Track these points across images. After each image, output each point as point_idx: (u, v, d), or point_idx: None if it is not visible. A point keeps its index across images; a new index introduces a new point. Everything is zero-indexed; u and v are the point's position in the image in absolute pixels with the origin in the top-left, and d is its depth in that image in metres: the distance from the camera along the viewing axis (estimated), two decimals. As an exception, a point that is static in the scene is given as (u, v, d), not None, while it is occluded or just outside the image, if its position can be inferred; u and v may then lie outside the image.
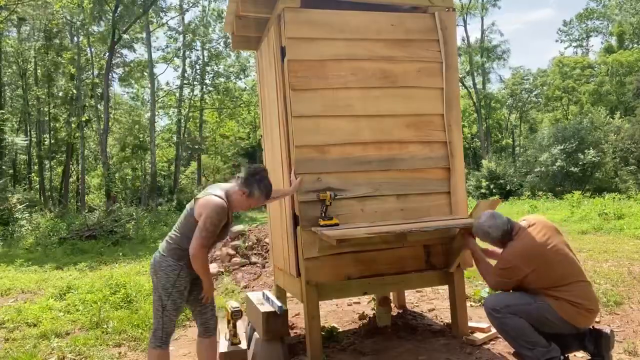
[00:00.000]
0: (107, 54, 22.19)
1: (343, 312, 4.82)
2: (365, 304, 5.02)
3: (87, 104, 26.51)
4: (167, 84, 38.05)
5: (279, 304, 3.34)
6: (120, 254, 10.39)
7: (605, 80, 34.15)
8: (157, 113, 28.15)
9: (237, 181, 2.84)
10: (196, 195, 2.88)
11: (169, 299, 2.75)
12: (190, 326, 4.73)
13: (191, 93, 30.81)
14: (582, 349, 3.00)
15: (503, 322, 2.96)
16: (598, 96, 34.22)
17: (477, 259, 3.24)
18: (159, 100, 29.10)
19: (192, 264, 2.69)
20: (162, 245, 2.86)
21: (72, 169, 29.22)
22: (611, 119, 26.14)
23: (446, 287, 3.90)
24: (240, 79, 31.30)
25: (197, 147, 30.55)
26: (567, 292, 2.85)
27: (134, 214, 16.47)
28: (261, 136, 4.51)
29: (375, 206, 3.42)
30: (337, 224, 3.13)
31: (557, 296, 2.86)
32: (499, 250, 3.17)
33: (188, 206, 2.85)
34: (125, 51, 27.32)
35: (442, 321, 4.22)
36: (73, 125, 25.53)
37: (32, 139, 27.29)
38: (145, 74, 27.46)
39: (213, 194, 2.76)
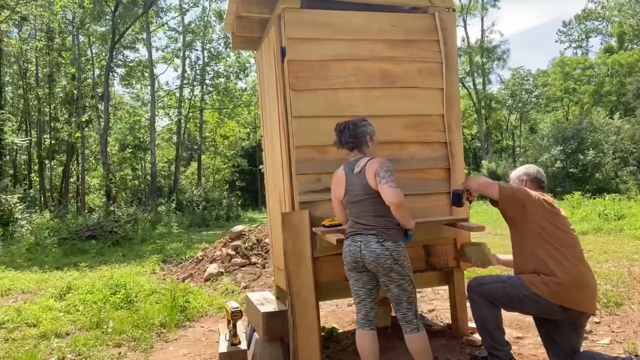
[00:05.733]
0: (107, 54, 22.20)
1: (343, 313, 4.83)
2: (365, 305, 5.01)
3: (87, 104, 26.54)
4: (167, 83, 38.04)
5: None
6: (121, 254, 10.40)
7: (605, 81, 34.19)
8: (157, 113, 28.15)
9: (356, 148, 2.86)
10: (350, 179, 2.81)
11: (413, 278, 2.79)
12: (190, 327, 4.73)
13: (191, 93, 30.85)
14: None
15: (473, 305, 2.96)
16: (599, 97, 34.26)
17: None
18: (159, 101, 29.11)
19: (398, 212, 2.66)
20: (372, 237, 2.69)
21: (73, 169, 29.25)
22: (611, 120, 26.16)
23: (446, 287, 3.90)
24: (240, 79, 31.34)
25: (197, 147, 30.56)
26: (560, 256, 2.72)
27: (134, 214, 16.48)
28: (261, 136, 4.51)
29: (376, 206, 3.41)
30: (340, 224, 3.13)
31: (543, 253, 2.75)
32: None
33: (359, 193, 2.75)
34: (126, 51, 27.37)
35: (442, 322, 4.22)
36: (73, 125, 25.55)
37: (33, 139, 27.32)
38: (146, 74, 27.48)
39: (365, 162, 2.77)
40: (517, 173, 3.12)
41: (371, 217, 2.74)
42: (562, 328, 2.81)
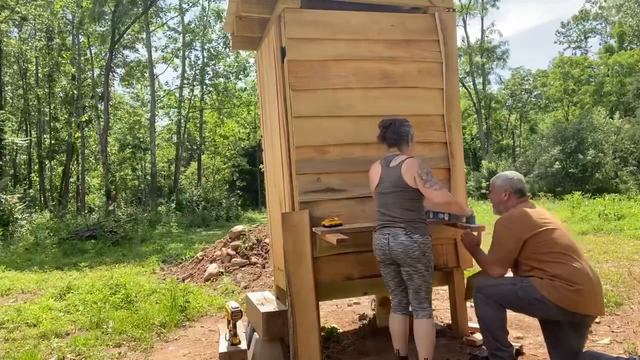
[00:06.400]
0: (107, 53, 22.21)
1: (343, 313, 4.83)
2: (366, 305, 5.02)
3: (87, 104, 26.55)
4: (167, 83, 38.02)
5: None
6: (121, 254, 10.40)
7: (605, 81, 34.19)
8: (157, 113, 28.14)
9: (397, 144, 3.02)
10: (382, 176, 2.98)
11: (433, 270, 2.99)
12: (190, 327, 4.73)
13: (191, 93, 30.86)
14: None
15: (478, 305, 2.95)
16: (599, 97, 34.27)
17: (475, 254, 3.16)
18: (159, 101, 29.10)
19: (450, 209, 3.05)
20: (400, 230, 2.85)
21: (73, 169, 29.25)
22: (611, 120, 26.16)
23: (446, 287, 3.90)
24: (240, 79, 31.35)
25: (197, 147, 30.56)
26: (555, 268, 2.74)
27: (134, 214, 16.48)
28: (261, 136, 4.51)
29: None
30: (340, 224, 3.13)
31: (542, 269, 2.77)
32: None
33: (391, 185, 2.91)
34: (126, 51, 27.38)
35: (442, 321, 4.22)
36: (73, 125, 25.55)
37: (33, 139, 27.33)
38: (145, 74, 27.48)
39: (403, 158, 2.93)
40: (500, 184, 3.08)
41: (399, 210, 2.89)
42: (567, 329, 2.81)
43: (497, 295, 2.88)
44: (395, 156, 2.99)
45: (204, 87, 30.82)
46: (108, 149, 23.91)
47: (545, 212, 3.01)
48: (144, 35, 25.71)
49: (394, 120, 3.07)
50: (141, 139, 28.69)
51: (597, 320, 4.02)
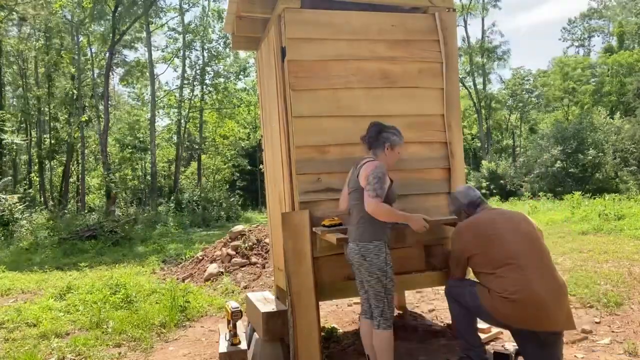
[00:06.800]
0: (107, 53, 22.21)
1: (343, 313, 4.83)
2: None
3: (87, 104, 26.55)
4: (167, 83, 38.02)
5: None
6: (121, 254, 10.40)
7: (605, 81, 34.19)
8: (157, 113, 28.11)
9: (372, 148, 2.99)
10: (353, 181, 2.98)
11: (386, 278, 2.81)
12: (190, 326, 4.73)
13: (191, 93, 30.84)
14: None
15: (449, 306, 3.04)
16: (599, 97, 34.26)
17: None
18: (159, 101, 29.08)
19: (380, 218, 2.78)
20: (351, 236, 2.89)
21: (72, 169, 29.25)
22: (611, 120, 26.16)
23: (446, 287, 3.89)
24: (240, 79, 31.33)
25: (197, 147, 30.54)
26: (492, 281, 2.67)
27: (134, 214, 16.48)
28: (261, 136, 4.51)
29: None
30: (340, 224, 3.13)
31: (485, 276, 2.75)
32: None
33: (352, 187, 2.96)
34: (126, 51, 27.38)
35: (442, 322, 4.22)
36: (73, 125, 25.56)
37: (32, 139, 27.32)
38: (146, 74, 27.45)
39: (368, 160, 2.90)
40: (455, 207, 3.16)
41: (354, 211, 2.93)
42: (530, 344, 2.63)
43: (457, 296, 2.93)
44: (364, 159, 2.97)
45: (204, 87, 30.78)
46: (108, 149, 23.90)
47: (497, 216, 2.91)
48: (144, 35, 25.70)
49: (379, 123, 3.03)
50: (141, 139, 28.68)
51: (597, 320, 4.02)
